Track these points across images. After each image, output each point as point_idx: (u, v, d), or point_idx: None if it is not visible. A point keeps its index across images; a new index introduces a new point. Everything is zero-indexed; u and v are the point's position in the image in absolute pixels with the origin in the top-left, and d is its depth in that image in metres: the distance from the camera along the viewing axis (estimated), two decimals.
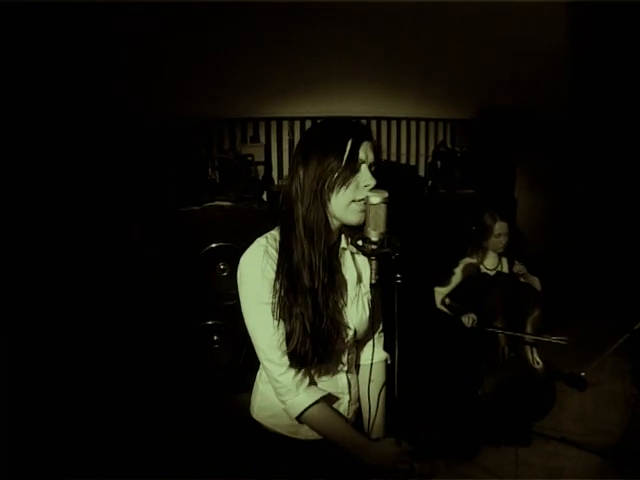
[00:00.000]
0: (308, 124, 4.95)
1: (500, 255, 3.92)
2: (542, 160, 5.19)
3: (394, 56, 5.10)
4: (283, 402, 1.69)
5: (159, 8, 4.22)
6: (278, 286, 1.60)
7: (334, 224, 1.67)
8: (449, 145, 5.37)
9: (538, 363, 3.66)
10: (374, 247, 1.50)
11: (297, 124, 5.06)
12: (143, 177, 4.22)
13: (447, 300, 3.86)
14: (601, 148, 5.40)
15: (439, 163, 5.07)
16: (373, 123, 5.38)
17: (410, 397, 3.61)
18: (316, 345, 1.62)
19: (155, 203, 4.22)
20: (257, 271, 1.61)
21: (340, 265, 1.76)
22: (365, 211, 1.56)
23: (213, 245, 3.95)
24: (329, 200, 1.60)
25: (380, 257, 1.53)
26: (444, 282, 3.91)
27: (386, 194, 1.49)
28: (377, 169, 1.64)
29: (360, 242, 1.53)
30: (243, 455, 1.97)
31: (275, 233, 1.69)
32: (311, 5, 4.67)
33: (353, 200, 1.59)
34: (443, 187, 4.97)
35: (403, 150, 5.53)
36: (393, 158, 5.52)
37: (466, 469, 3.51)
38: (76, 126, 3.96)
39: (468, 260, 3.94)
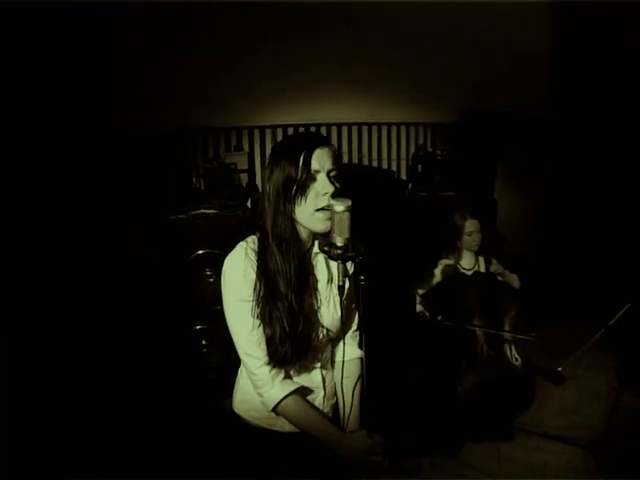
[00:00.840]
0: (291, 131, 4.99)
1: (477, 254, 3.96)
2: (523, 161, 5.26)
3: (376, 61, 5.16)
4: (260, 394, 1.80)
5: (146, 19, 4.31)
6: (258, 288, 1.72)
7: (304, 232, 1.78)
8: (429, 148, 5.45)
9: (517, 359, 3.71)
10: (339, 252, 1.58)
11: (280, 131, 5.11)
12: (130, 186, 4.29)
13: (419, 302, 3.92)
14: (581, 148, 5.45)
15: (419, 167, 5.14)
16: (354, 129, 5.46)
17: (391, 395, 3.70)
18: (294, 345, 1.73)
19: (143, 210, 4.29)
20: (239, 271, 1.72)
21: (313, 268, 1.87)
22: (331, 218, 1.64)
23: (199, 252, 4.00)
24: (294, 211, 1.71)
25: (345, 261, 1.62)
26: (422, 284, 3.96)
27: (349, 202, 1.57)
28: (338, 175, 1.72)
29: (327, 247, 1.62)
30: (230, 452, 2.06)
31: (255, 237, 1.81)
32: (294, 11, 4.76)
33: (316, 209, 1.69)
34: (424, 190, 5.03)
35: (384, 155, 5.59)
36: (375, 163, 5.58)
37: (450, 466, 3.53)
38: (63, 134, 3.99)
39: (445, 261, 3.99)
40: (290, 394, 1.79)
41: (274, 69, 4.88)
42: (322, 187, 1.67)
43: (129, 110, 4.34)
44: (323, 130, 5.32)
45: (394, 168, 5.63)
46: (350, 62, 5.08)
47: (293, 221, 1.73)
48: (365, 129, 5.49)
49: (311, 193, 1.68)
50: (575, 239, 5.49)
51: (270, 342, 1.72)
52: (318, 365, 1.94)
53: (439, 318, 3.66)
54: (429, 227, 4.53)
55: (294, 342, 1.72)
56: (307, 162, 1.66)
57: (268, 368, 1.75)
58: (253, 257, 1.74)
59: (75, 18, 3.96)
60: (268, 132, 5.12)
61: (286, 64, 4.92)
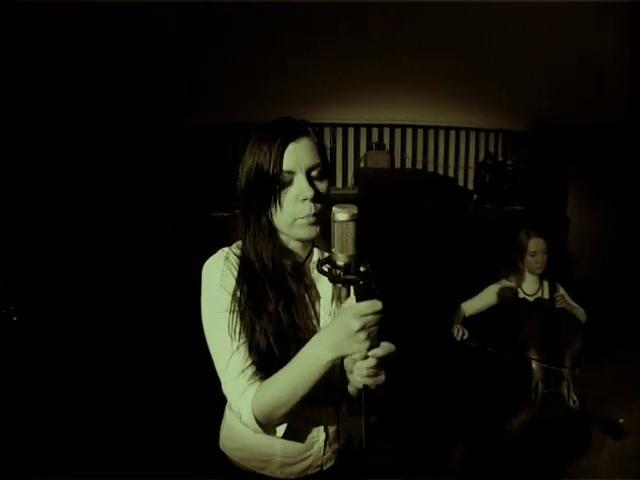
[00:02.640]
0: (349, 130, 4.81)
1: (541, 278, 3.58)
2: (599, 177, 4.78)
3: (443, 63, 4.94)
4: (238, 416, 1.43)
5: (193, 18, 4.28)
6: (238, 298, 1.42)
7: (291, 240, 1.47)
8: (500, 158, 5.15)
9: (574, 401, 3.31)
10: (339, 272, 1.26)
11: (339, 130, 4.95)
12: (174, 181, 4.14)
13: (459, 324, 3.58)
14: None
15: (487, 176, 4.83)
16: (420, 132, 5.24)
17: (433, 428, 3.51)
18: (277, 365, 1.39)
19: (186, 207, 4.13)
20: (216, 279, 1.44)
21: (314, 281, 1.54)
22: (314, 224, 1.37)
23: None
24: (270, 215, 1.41)
25: (346, 284, 1.28)
26: (473, 304, 3.61)
27: (355, 209, 1.22)
28: (322, 174, 1.41)
29: (326, 266, 1.29)
30: None
31: (240, 243, 1.50)
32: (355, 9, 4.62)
33: (295, 218, 1.38)
34: (490, 202, 4.74)
35: (451, 161, 5.35)
36: (440, 170, 5.35)
37: None
38: (111, 128, 4.00)
39: (505, 283, 3.61)
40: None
41: (331, 67, 4.76)
42: (300, 191, 1.36)
43: (175, 105, 4.28)
44: (386, 132, 5.13)
45: (460, 176, 5.41)
46: (415, 61, 4.90)
47: (271, 229, 1.43)
48: (432, 133, 5.28)
49: (287, 198, 1.37)
50: None
51: (252, 358, 1.42)
52: (318, 399, 1.56)
53: (465, 337, 3.31)
54: (494, 245, 4.13)
55: (283, 361, 1.38)
56: (278, 160, 1.36)
57: (243, 382, 1.41)
58: (234, 263, 1.45)
59: (122, 18, 4.02)
60: (326, 130, 4.94)
61: (343, 62, 4.78)
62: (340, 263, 1.24)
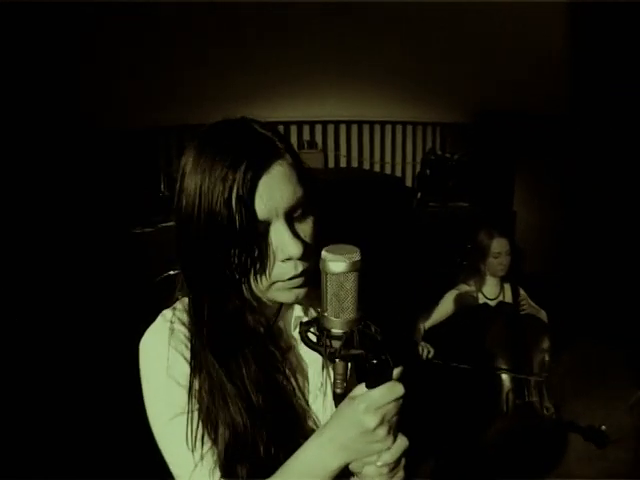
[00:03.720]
0: (277, 129, 4.54)
1: (502, 281, 3.42)
2: (544, 168, 4.73)
3: (379, 55, 4.78)
4: None
5: (114, 18, 3.97)
6: (197, 387, 1.03)
7: (263, 304, 1.08)
8: (439, 152, 4.99)
9: (547, 410, 3.20)
10: (337, 345, 0.89)
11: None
12: (87, 193, 3.76)
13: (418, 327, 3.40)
14: (604, 154, 4.96)
15: (429, 172, 4.66)
16: (354, 127, 5.05)
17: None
18: (259, 470, 1.02)
19: (104, 224, 3.74)
20: (161, 366, 1.04)
21: (292, 342, 1.14)
22: (301, 285, 0.99)
23: (171, 272, 3.41)
24: (238, 282, 1.00)
25: (348, 361, 0.92)
26: (431, 315, 3.43)
27: (357, 255, 0.87)
28: (308, 209, 1.01)
29: (313, 335, 0.93)
30: None
31: (186, 302, 1.10)
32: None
33: (275, 282, 1.00)
34: (434, 200, 4.58)
35: (388, 158, 5.18)
36: (377, 167, 5.18)
37: None
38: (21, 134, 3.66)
39: (464, 287, 3.45)
40: None
41: (263, 61, 4.48)
42: (281, 249, 0.97)
43: (95, 109, 3.96)
44: (318, 129, 4.85)
45: (399, 173, 5.24)
46: (351, 54, 4.71)
47: (238, 298, 1.04)
48: (367, 128, 5.08)
49: (266, 259, 0.98)
50: (597, 255, 5.02)
51: (225, 472, 1.02)
52: None
53: (430, 356, 3.20)
54: (440, 245, 4.06)
55: (268, 469, 1.02)
56: (247, 207, 0.93)
57: None
58: (183, 339, 1.06)
59: (42, 19, 3.72)
60: None
61: (277, 56, 4.52)
62: (337, 332, 0.87)
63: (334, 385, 0.93)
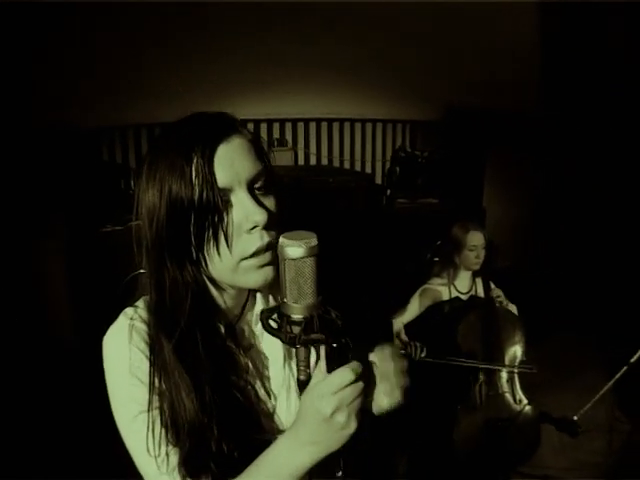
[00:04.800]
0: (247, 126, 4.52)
1: (474, 275, 3.44)
2: (512, 165, 4.82)
3: (349, 53, 4.75)
4: None
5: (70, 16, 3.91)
6: (155, 386, 1.01)
7: (226, 294, 1.07)
8: (409, 149, 5.00)
9: (520, 401, 3.21)
10: (297, 330, 0.89)
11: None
12: (54, 192, 3.68)
13: (396, 329, 3.41)
14: (574, 148, 5.07)
15: (398, 169, 4.69)
16: (323, 125, 5.07)
17: (382, 440, 3.33)
18: (224, 470, 1.01)
19: (70, 222, 3.72)
20: (123, 364, 1.02)
21: (257, 338, 1.14)
22: (269, 263, 0.98)
23: (141, 271, 3.38)
24: (200, 263, 1.00)
25: (308, 345, 0.91)
26: (404, 310, 3.43)
27: (314, 240, 0.87)
28: (269, 185, 1.02)
29: (274, 322, 0.93)
30: None
31: (148, 300, 1.08)
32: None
33: (242, 257, 0.98)
34: (403, 196, 4.61)
35: (358, 155, 5.19)
36: (347, 165, 5.19)
37: None
38: None
39: (435, 281, 3.46)
40: None
41: (233, 59, 4.46)
42: (246, 216, 0.96)
43: (52, 107, 3.83)
44: (288, 127, 4.86)
45: (369, 170, 5.25)
46: (322, 53, 4.69)
47: (199, 284, 1.03)
48: (337, 125, 5.10)
49: (230, 230, 0.97)
50: (567, 249, 5.11)
51: (185, 468, 1.00)
52: None
53: (423, 355, 3.08)
54: (409, 241, 4.05)
55: (231, 471, 1.01)
56: (206, 173, 0.94)
57: None
58: (144, 337, 1.04)
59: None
60: None
61: (247, 54, 4.49)
62: (297, 317, 0.87)
63: (297, 372, 0.93)
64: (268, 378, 1.13)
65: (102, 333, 1.09)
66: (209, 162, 0.93)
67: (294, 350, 0.92)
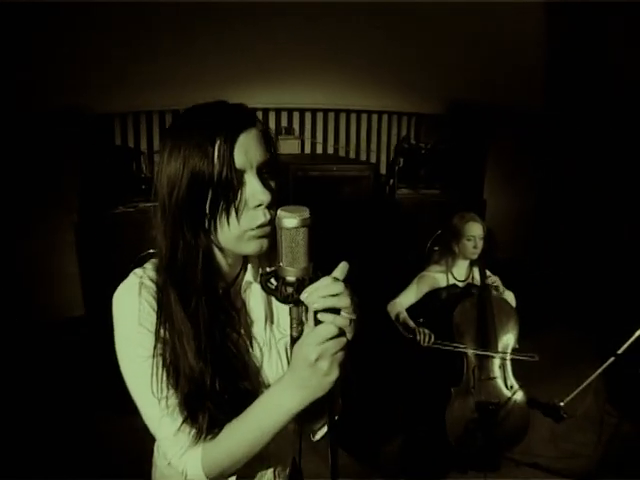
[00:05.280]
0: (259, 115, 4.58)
1: (471, 264, 3.53)
2: (513, 159, 4.88)
3: (358, 47, 4.82)
4: (183, 473, 1.18)
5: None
6: (161, 335, 1.16)
7: (227, 258, 1.23)
8: (413, 141, 5.10)
9: (512, 387, 3.30)
10: (291, 290, 1.03)
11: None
12: (67, 176, 3.77)
13: (402, 316, 3.46)
14: (575, 147, 5.14)
15: (402, 160, 4.77)
16: (330, 115, 5.11)
17: (372, 421, 3.56)
18: (221, 416, 1.16)
19: (84, 204, 3.80)
20: (132, 316, 1.17)
21: (245, 303, 1.30)
22: (267, 236, 1.13)
23: (151, 251, 3.48)
24: (210, 230, 1.15)
25: (300, 304, 1.05)
26: (401, 295, 3.53)
27: (306, 213, 1.01)
28: (274, 171, 1.18)
29: (272, 283, 1.07)
30: None
31: (156, 262, 1.23)
32: None
33: (246, 229, 1.14)
34: (406, 187, 4.70)
35: (363, 145, 5.26)
36: (352, 154, 5.25)
37: None
38: None
39: (435, 268, 3.56)
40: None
41: (233, 44, 4.53)
42: (253, 195, 1.12)
43: (62, 91, 3.91)
44: (295, 116, 4.97)
45: (373, 160, 5.31)
46: (331, 46, 4.75)
47: (207, 248, 1.17)
48: (343, 116, 5.16)
49: (239, 206, 1.12)
50: (566, 242, 5.20)
51: (185, 411, 1.16)
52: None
53: (431, 341, 3.23)
54: (411, 230, 4.21)
55: (222, 411, 1.16)
56: (226, 154, 1.09)
57: (184, 438, 1.17)
58: (152, 293, 1.19)
59: None
60: None
61: (258, 46, 4.56)
62: (291, 279, 1.01)
63: (290, 329, 1.06)
64: (253, 336, 1.29)
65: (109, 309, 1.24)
66: (230, 146, 1.08)
67: (288, 308, 1.05)
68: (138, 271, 1.21)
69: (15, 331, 3.52)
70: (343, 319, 0.98)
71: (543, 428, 3.68)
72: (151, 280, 1.19)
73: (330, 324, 0.98)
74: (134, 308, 1.16)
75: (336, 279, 1.00)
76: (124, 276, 1.23)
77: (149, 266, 1.22)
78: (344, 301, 0.98)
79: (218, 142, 1.08)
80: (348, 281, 1.02)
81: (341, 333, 0.99)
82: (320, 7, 4.61)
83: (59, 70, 3.89)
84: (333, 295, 0.98)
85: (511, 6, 4.91)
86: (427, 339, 3.23)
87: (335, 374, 1.01)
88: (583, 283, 5.01)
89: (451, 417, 3.24)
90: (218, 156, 1.07)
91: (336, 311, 0.99)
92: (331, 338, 0.98)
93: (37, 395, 3.52)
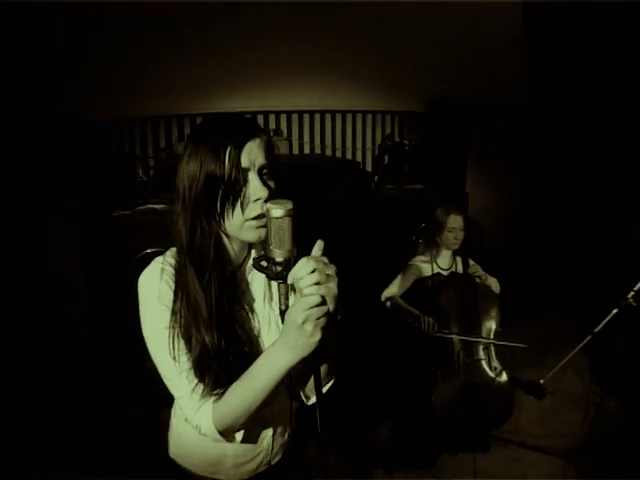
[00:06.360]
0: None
1: (454, 254, 3.72)
2: (495, 153, 4.96)
3: (338, 46, 4.93)
4: (196, 427, 1.41)
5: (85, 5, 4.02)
6: (177, 312, 1.40)
7: (234, 244, 1.47)
8: (397, 138, 5.23)
9: (495, 368, 3.47)
10: (279, 268, 1.24)
11: None
12: (65, 179, 3.83)
13: (399, 302, 3.62)
14: (556, 140, 5.29)
15: (386, 157, 4.93)
16: (316, 117, 5.22)
17: (362, 405, 3.68)
18: (227, 377, 1.40)
19: (84, 207, 3.87)
20: (154, 294, 1.41)
21: (248, 284, 1.55)
22: (264, 226, 1.32)
23: (148, 251, 3.65)
24: (219, 221, 1.38)
25: (287, 280, 1.25)
26: (391, 285, 3.70)
27: (290, 205, 1.22)
28: (272, 172, 1.40)
29: (264, 263, 1.28)
30: None
31: (175, 250, 1.48)
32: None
33: (247, 219, 1.36)
34: (390, 182, 4.84)
35: (349, 144, 5.38)
36: (338, 153, 5.36)
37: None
38: None
39: (420, 258, 3.73)
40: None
41: (222, 51, 4.63)
42: (253, 191, 1.35)
43: (65, 97, 4.01)
44: (283, 118, 5.09)
45: (359, 159, 5.42)
46: (315, 50, 4.86)
47: (218, 234, 1.42)
48: (329, 117, 5.27)
49: (242, 199, 1.36)
50: (548, 234, 5.38)
51: (198, 373, 1.40)
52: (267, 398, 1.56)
53: (434, 329, 3.38)
54: (396, 223, 4.35)
55: (225, 374, 1.40)
56: (234, 158, 1.33)
57: (197, 397, 1.40)
58: (170, 276, 1.43)
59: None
60: None
61: (246, 52, 4.66)
62: (279, 259, 1.23)
63: (279, 303, 1.28)
64: (255, 311, 1.54)
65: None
66: (238, 152, 1.33)
67: (277, 285, 1.27)
68: (159, 258, 1.47)
69: (15, 332, 3.61)
70: (322, 289, 1.17)
71: (531, 409, 3.83)
72: (170, 265, 1.44)
73: (315, 295, 1.18)
74: (155, 288, 1.41)
75: (309, 258, 1.19)
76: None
77: (168, 254, 1.47)
78: (319, 276, 1.17)
79: (229, 149, 1.32)
80: (325, 255, 1.23)
81: (323, 302, 1.18)
82: (305, 17, 4.75)
83: (58, 75, 4.02)
84: (310, 272, 1.17)
85: (489, 5, 5.04)
86: (430, 328, 3.38)
87: (318, 336, 1.20)
88: (568, 271, 5.17)
89: (439, 399, 3.37)
90: (229, 160, 1.32)
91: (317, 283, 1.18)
92: (315, 306, 1.17)
93: (37, 395, 3.59)
